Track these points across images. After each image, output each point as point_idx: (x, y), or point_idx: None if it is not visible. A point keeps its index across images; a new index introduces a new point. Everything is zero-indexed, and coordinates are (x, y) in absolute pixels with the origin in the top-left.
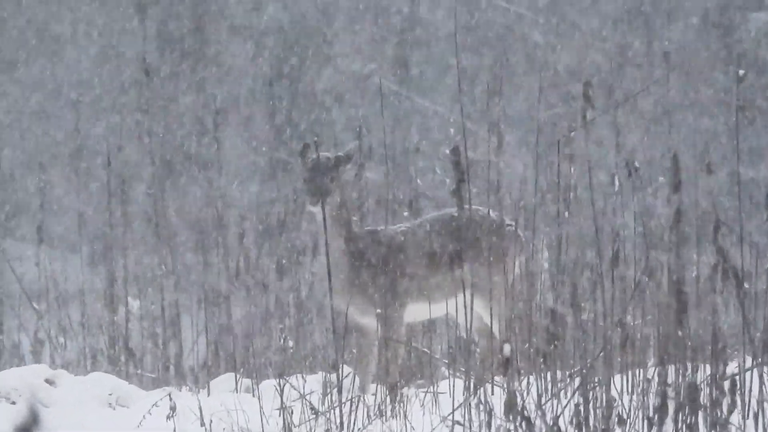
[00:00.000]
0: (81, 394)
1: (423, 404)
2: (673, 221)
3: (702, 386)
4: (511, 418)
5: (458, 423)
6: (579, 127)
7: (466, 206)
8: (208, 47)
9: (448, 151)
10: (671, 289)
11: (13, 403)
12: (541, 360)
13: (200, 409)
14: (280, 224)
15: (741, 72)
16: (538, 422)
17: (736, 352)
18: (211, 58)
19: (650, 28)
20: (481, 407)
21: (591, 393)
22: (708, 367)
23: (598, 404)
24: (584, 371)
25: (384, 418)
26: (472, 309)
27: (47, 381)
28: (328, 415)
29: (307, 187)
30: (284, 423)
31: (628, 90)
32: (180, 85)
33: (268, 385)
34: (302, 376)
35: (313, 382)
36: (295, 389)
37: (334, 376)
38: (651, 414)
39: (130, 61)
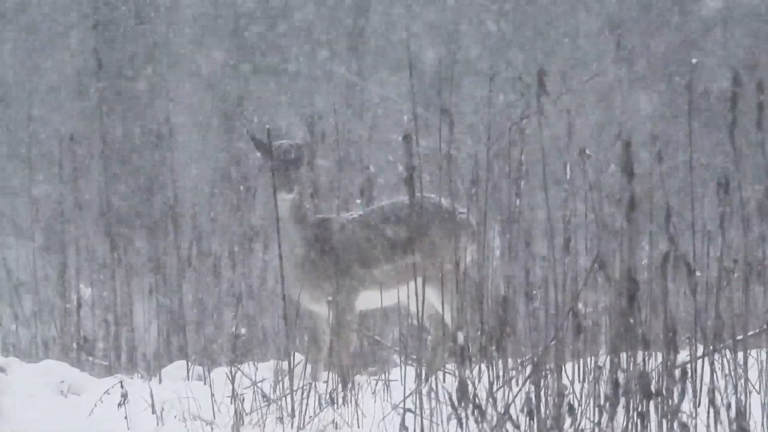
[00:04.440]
0: (32, 381)
1: (374, 392)
2: (626, 210)
3: (653, 374)
4: (462, 405)
5: (409, 410)
6: (532, 113)
7: (418, 194)
8: (156, 35)
9: (400, 138)
10: (623, 277)
11: None
12: (493, 348)
13: (152, 396)
14: (233, 211)
15: (694, 60)
16: (489, 410)
17: (687, 340)
18: (162, 47)
19: (603, 16)
20: (432, 395)
21: (542, 381)
22: (659, 355)
23: (549, 392)
24: (535, 359)
25: (335, 405)
26: (423, 297)
27: None
28: (279, 403)
29: (277, 175)
30: (236, 410)
31: (580, 77)
32: (131, 74)
33: (220, 372)
34: (254, 364)
35: (265, 369)
36: (246, 377)
37: (285, 364)
38: (602, 402)
39: (80, 50)
